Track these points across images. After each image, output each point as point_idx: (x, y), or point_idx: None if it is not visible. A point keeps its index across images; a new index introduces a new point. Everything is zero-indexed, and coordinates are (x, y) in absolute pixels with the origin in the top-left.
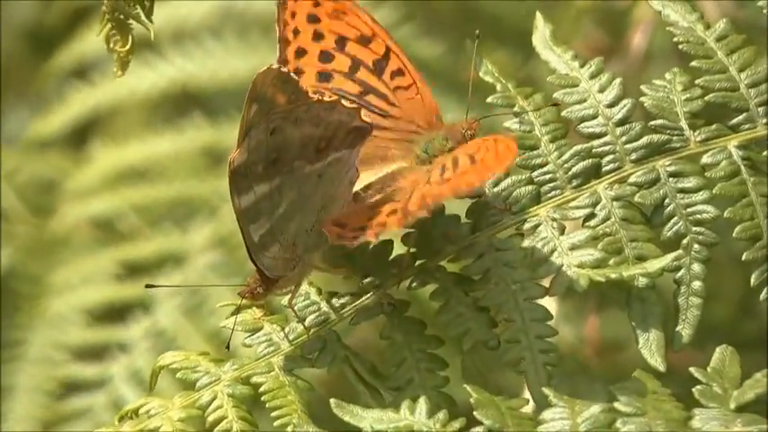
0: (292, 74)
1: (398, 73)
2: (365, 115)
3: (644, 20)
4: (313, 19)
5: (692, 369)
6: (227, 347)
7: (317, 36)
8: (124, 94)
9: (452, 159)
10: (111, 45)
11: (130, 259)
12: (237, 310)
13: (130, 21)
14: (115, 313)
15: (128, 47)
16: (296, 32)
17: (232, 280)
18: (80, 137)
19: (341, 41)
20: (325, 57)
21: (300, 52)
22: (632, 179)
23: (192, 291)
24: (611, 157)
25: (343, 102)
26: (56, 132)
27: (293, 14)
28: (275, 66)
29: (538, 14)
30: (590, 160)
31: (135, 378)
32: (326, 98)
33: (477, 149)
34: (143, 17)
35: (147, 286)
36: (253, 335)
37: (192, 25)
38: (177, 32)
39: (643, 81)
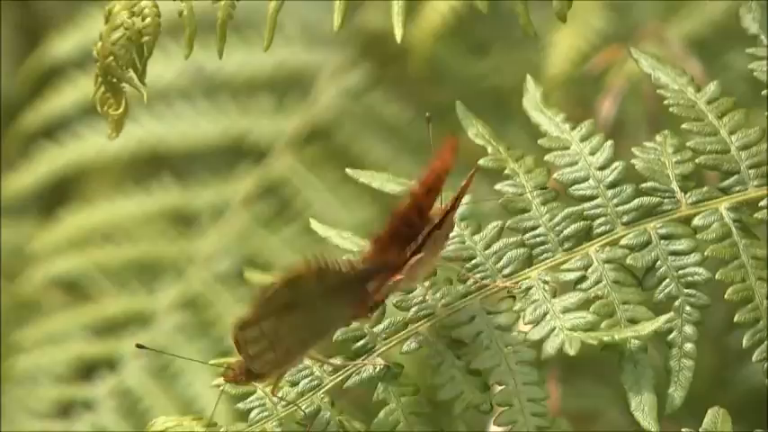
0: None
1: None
2: None
3: (613, 88)
4: None
5: (684, 430)
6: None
7: None
8: (93, 156)
9: None
10: (105, 108)
11: (97, 319)
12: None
13: (123, 84)
14: (81, 372)
15: (121, 109)
16: None
17: (199, 341)
18: (48, 199)
19: None
20: None
21: None
22: (624, 242)
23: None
24: (603, 219)
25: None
26: (23, 194)
27: None
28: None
29: (528, 77)
30: (581, 223)
31: None
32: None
33: None
34: (136, 81)
35: (138, 346)
36: (246, 399)
37: (162, 87)
38: (147, 93)
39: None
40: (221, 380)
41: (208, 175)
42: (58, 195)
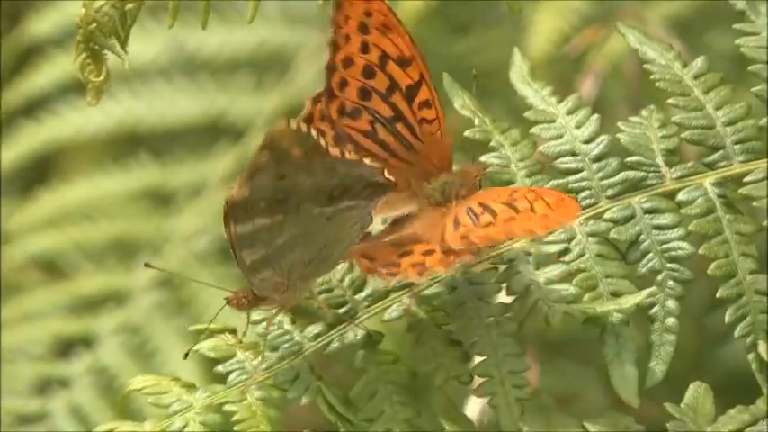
0: (312, 132)
1: (426, 104)
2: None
3: (594, 68)
4: (363, 29)
5: (666, 404)
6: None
7: (364, 48)
8: (72, 134)
9: (508, 204)
10: (86, 74)
11: (74, 297)
12: (206, 336)
13: (105, 51)
14: (58, 350)
15: (102, 76)
16: (347, 39)
17: (176, 319)
18: (27, 178)
19: (384, 59)
20: (369, 72)
21: (348, 62)
22: (608, 215)
23: (134, 330)
24: (587, 192)
25: (366, 161)
26: (3, 172)
27: (347, 19)
28: (294, 123)
29: (515, 50)
30: None
31: (75, 414)
32: (348, 155)
33: (547, 208)
34: (118, 48)
35: (146, 265)
36: (225, 362)
37: (141, 66)
38: (126, 72)
39: None
40: (200, 345)
41: (186, 153)
42: (37, 174)
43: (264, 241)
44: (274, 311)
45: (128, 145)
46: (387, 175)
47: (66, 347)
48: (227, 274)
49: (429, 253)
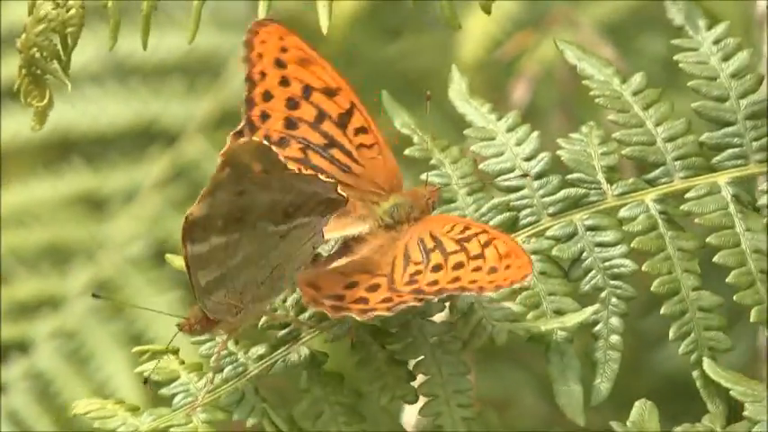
0: (273, 148)
1: (362, 130)
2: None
3: (527, 73)
4: (279, 64)
5: (612, 423)
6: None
7: (284, 82)
8: (5, 140)
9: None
10: (29, 99)
11: (9, 303)
12: (152, 356)
13: (47, 75)
14: None
15: (45, 101)
16: (263, 75)
17: (112, 324)
18: None
19: (307, 90)
20: (292, 104)
21: (267, 96)
22: (550, 233)
23: (69, 335)
24: (529, 210)
25: (321, 177)
26: None
27: (260, 56)
28: (256, 140)
29: (453, 68)
30: (507, 214)
31: (12, 419)
32: (304, 171)
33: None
34: (60, 72)
35: (94, 296)
36: (170, 384)
37: (73, 71)
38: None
39: None
40: (143, 366)
41: (119, 158)
42: None
43: (219, 261)
44: (225, 337)
45: (60, 150)
46: (340, 191)
47: (2, 353)
48: (161, 278)
49: (374, 288)
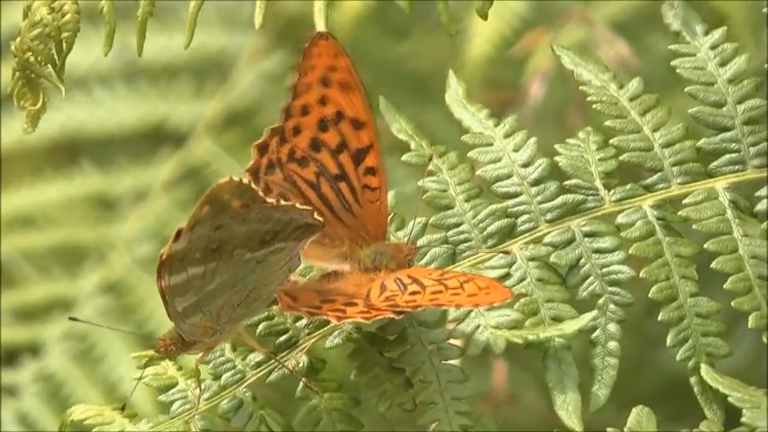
0: (252, 185)
1: (371, 171)
2: (318, 212)
3: (540, 70)
4: (325, 82)
5: (609, 430)
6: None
7: (323, 101)
8: (13, 143)
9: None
10: (22, 102)
11: (20, 305)
12: (148, 363)
13: (41, 79)
14: (5, 358)
15: (39, 105)
16: (308, 88)
17: (122, 325)
18: None
19: (339, 115)
20: (323, 125)
21: (305, 110)
22: (547, 239)
23: (80, 337)
24: (527, 216)
25: (297, 205)
26: None
27: (312, 68)
28: (237, 179)
29: (450, 73)
30: (505, 220)
31: (23, 422)
32: (282, 202)
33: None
34: (54, 77)
35: (71, 318)
36: (167, 391)
37: (81, 73)
38: (66, 81)
39: (542, 130)
40: (143, 371)
41: (128, 160)
42: None
43: (196, 288)
44: (201, 355)
45: (69, 152)
46: (316, 216)
47: (13, 355)
48: None
49: (351, 304)
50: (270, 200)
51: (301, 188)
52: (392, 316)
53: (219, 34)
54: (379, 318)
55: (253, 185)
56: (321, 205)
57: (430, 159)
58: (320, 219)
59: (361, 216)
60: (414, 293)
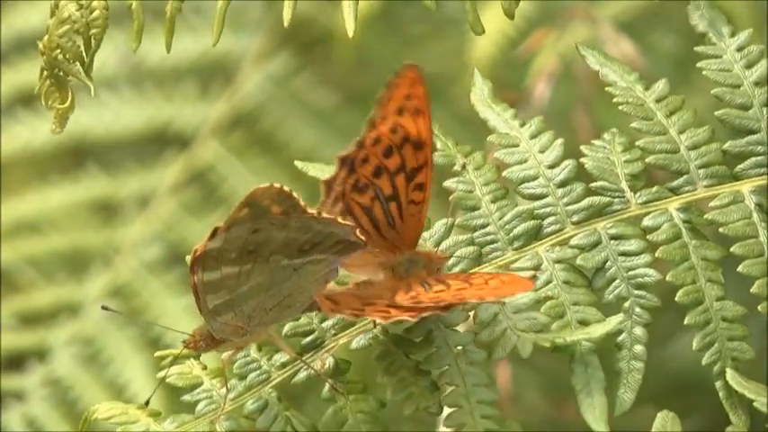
0: (293, 193)
1: (419, 188)
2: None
3: (545, 70)
4: (400, 111)
5: None
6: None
7: (394, 130)
8: (19, 148)
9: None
10: (51, 102)
11: (26, 310)
12: (174, 361)
13: (69, 77)
14: (11, 363)
15: (67, 103)
16: (383, 119)
17: (128, 329)
18: None
19: (404, 141)
20: (388, 152)
21: (376, 141)
22: (574, 241)
23: (87, 341)
24: (553, 218)
25: (339, 219)
26: None
27: (390, 100)
28: (277, 185)
29: (476, 72)
30: (531, 222)
31: (31, 426)
32: (324, 215)
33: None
34: (82, 74)
35: (103, 308)
36: (192, 390)
37: None
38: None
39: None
40: (167, 370)
41: (133, 163)
42: None
43: (230, 288)
44: (229, 354)
45: (75, 156)
46: (358, 234)
47: (20, 360)
48: (177, 282)
49: (393, 306)
50: (311, 210)
51: (355, 213)
52: (439, 312)
53: (225, 36)
54: (424, 315)
55: (293, 193)
56: (370, 227)
57: (463, 168)
58: (362, 238)
59: (401, 229)
60: (438, 291)
